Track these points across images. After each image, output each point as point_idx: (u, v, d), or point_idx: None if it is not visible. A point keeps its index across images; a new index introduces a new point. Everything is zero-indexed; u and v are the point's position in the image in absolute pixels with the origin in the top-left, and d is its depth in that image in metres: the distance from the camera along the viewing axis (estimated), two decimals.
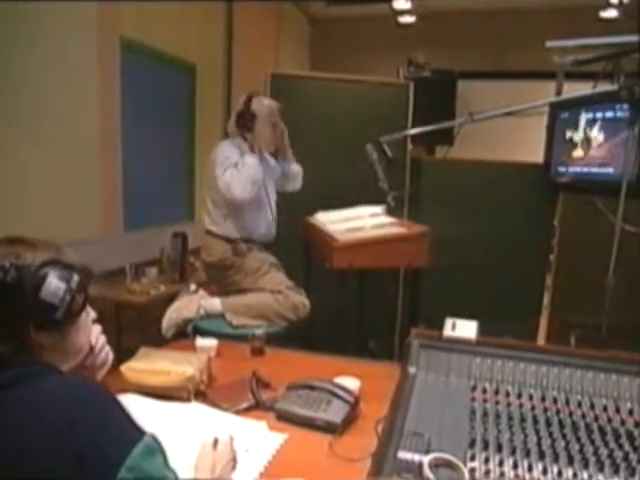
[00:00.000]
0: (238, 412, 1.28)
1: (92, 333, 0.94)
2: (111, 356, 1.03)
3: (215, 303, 2.18)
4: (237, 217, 2.22)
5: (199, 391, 1.36)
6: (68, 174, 2.76)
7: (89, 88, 2.85)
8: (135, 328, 2.88)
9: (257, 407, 1.31)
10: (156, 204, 3.61)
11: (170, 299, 2.46)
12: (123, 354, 2.40)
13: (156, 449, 0.77)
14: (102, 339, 1.05)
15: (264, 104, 2.26)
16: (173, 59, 3.65)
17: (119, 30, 3.02)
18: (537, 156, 3.05)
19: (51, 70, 2.62)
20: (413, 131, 2.44)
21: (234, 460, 1.01)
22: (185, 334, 2.11)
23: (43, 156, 2.60)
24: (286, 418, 1.25)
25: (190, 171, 4.00)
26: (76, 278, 0.84)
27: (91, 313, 0.93)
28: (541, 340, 3.11)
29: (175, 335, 2.13)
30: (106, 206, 3.01)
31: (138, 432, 0.77)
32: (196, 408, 1.30)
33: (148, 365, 1.38)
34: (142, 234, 3.32)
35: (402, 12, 5.16)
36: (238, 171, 2.09)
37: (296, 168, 2.49)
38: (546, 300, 3.21)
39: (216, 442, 1.01)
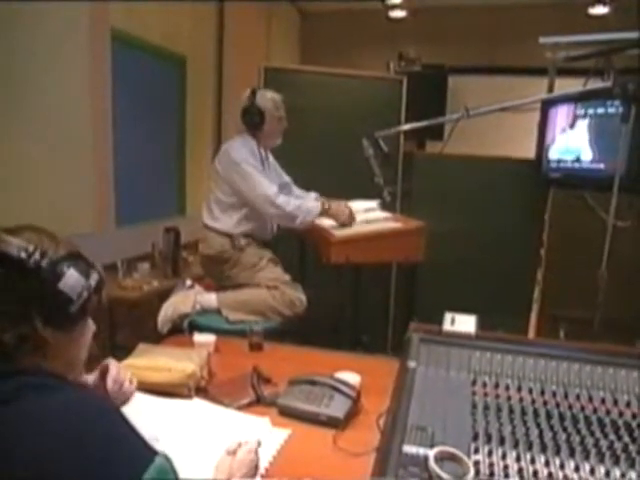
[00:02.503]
0: (240, 408, 1.29)
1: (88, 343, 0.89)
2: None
3: (211, 298, 2.17)
4: (239, 215, 2.21)
5: (200, 387, 1.36)
6: (59, 169, 2.72)
7: (81, 82, 2.80)
8: (128, 324, 2.86)
9: (259, 403, 1.31)
10: (147, 199, 3.58)
11: (163, 294, 2.44)
12: (116, 350, 2.38)
13: (168, 470, 0.74)
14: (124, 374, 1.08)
15: (268, 98, 2.24)
16: (163, 51, 3.60)
17: (110, 22, 2.97)
18: (529, 151, 3.08)
19: (43, 63, 2.58)
20: (409, 126, 2.45)
21: (256, 468, 0.99)
22: (180, 329, 2.10)
23: (34, 151, 2.56)
24: (288, 413, 1.26)
25: (181, 165, 3.97)
26: (96, 277, 0.82)
27: (92, 326, 0.89)
28: (531, 335, 3.15)
29: (170, 331, 2.12)
30: (98, 201, 2.98)
31: (149, 451, 0.74)
32: (198, 404, 1.30)
33: (148, 362, 1.37)
34: (134, 229, 3.29)
35: (393, 6, 5.15)
36: (298, 206, 2.16)
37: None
38: (536, 294, 3.25)
39: (236, 449, 0.98)
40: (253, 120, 2.19)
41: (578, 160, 2.69)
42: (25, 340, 0.74)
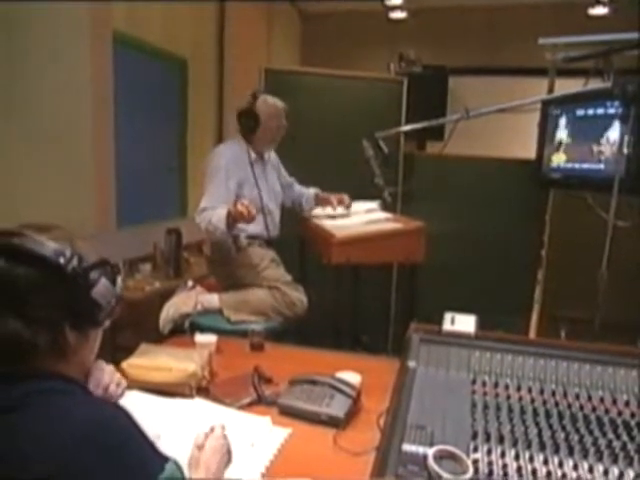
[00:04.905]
0: (241, 407, 1.29)
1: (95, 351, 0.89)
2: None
3: (213, 299, 2.18)
4: None
5: (201, 387, 1.37)
6: (61, 170, 2.73)
7: (82, 84, 2.81)
8: (129, 324, 2.86)
9: (260, 402, 1.32)
10: (149, 200, 3.59)
11: (165, 295, 2.45)
12: (117, 351, 2.39)
13: (179, 476, 0.74)
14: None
15: (269, 104, 2.24)
16: (164, 53, 3.62)
17: (112, 24, 2.99)
18: (529, 152, 3.08)
19: (44, 66, 2.59)
20: (409, 127, 2.46)
21: (228, 453, 0.98)
22: (182, 330, 2.11)
23: (36, 152, 2.58)
24: (289, 413, 1.26)
25: (183, 166, 3.98)
26: (120, 282, 0.83)
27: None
28: (532, 335, 3.15)
29: (171, 331, 2.13)
30: (99, 202, 2.99)
31: (160, 457, 0.73)
32: (199, 404, 1.31)
33: (149, 362, 1.38)
34: (135, 230, 3.30)
35: (393, 8, 5.17)
36: (209, 220, 2.04)
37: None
38: (537, 295, 3.25)
39: (203, 442, 0.97)
40: (248, 124, 2.21)
41: (578, 161, 2.69)
42: (55, 344, 0.75)
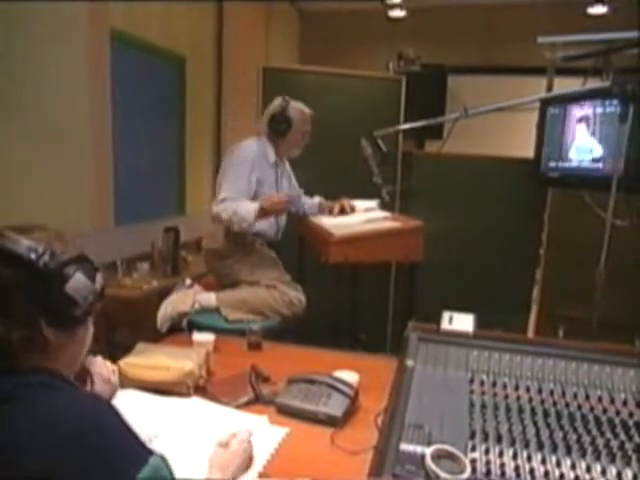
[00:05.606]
0: (239, 406, 1.29)
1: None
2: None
3: (210, 297, 2.18)
4: None
5: (198, 386, 1.37)
6: (59, 168, 2.72)
7: (80, 82, 2.80)
8: (127, 323, 2.86)
9: (257, 401, 1.32)
10: (147, 198, 3.58)
11: (162, 294, 2.45)
12: (115, 349, 2.39)
13: (164, 470, 0.74)
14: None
15: (299, 110, 2.28)
16: (162, 51, 3.61)
17: (109, 23, 2.98)
18: (527, 151, 3.08)
19: (41, 64, 2.58)
20: (407, 126, 2.46)
21: (250, 458, 0.99)
22: (179, 328, 2.11)
23: (33, 151, 2.56)
24: (287, 412, 1.26)
25: (181, 165, 3.97)
26: (101, 280, 0.83)
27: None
28: (530, 334, 3.15)
29: (169, 329, 2.13)
30: (97, 201, 2.98)
31: (145, 451, 0.74)
32: (197, 403, 1.30)
33: (147, 360, 1.38)
34: (133, 228, 3.29)
35: (392, 6, 5.16)
36: (234, 211, 2.06)
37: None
38: (535, 294, 3.25)
39: (228, 441, 0.98)
40: (279, 127, 2.23)
41: (577, 160, 2.69)
42: (30, 340, 0.75)
